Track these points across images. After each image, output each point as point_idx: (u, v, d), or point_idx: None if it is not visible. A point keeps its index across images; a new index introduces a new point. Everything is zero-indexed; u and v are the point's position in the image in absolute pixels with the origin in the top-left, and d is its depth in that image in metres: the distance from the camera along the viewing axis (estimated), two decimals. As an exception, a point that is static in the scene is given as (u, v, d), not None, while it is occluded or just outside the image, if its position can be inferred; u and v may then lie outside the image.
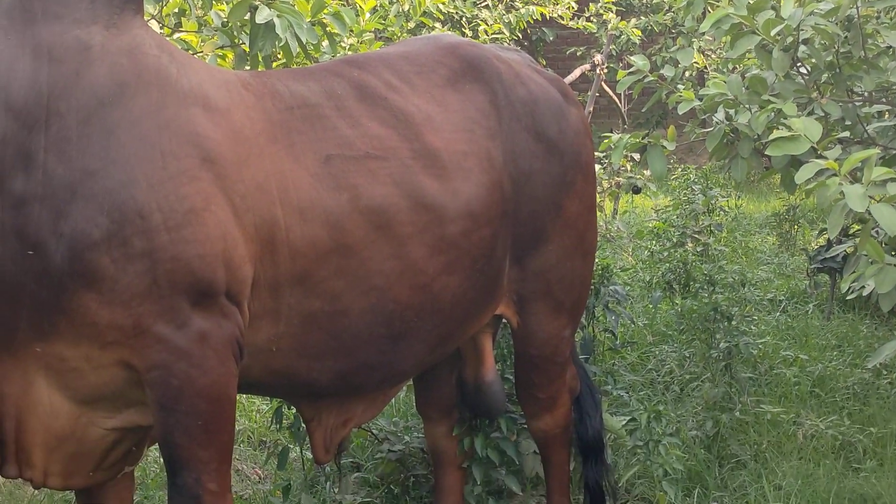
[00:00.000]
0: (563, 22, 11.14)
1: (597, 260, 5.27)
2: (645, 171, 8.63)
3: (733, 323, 6.24)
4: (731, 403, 6.00)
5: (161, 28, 5.43)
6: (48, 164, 3.35)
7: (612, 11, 12.00)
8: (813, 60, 4.98)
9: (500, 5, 10.29)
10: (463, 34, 9.51)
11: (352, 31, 6.35)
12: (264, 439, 6.51)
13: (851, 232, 6.89)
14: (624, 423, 5.29)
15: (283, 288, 3.68)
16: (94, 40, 3.47)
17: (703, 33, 9.23)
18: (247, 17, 4.81)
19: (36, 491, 5.47)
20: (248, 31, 4.88)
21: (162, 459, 5.76)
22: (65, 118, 3.38)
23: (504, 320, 4.53)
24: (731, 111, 4.85)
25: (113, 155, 3.38)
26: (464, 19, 9.91)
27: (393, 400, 5.51)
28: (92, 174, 3.36)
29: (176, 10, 5.65)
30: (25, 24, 3.44)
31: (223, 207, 3.51)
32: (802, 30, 4.71)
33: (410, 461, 5.49)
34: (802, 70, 5.10)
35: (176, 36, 5.43)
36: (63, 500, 5.51)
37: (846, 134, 4.77)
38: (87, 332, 3.41)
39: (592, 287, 5.68)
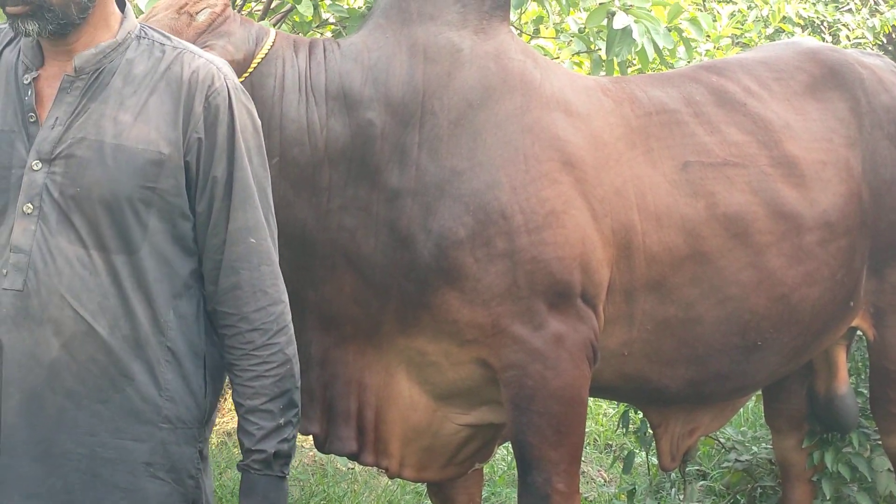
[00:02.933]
0: (930, 26, 10.68)
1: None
2: None
3: None
4: None
5: (520, 35, 5.53)
6: (421, 161, 3.48)
7: None
8: None
9: (863, 9, 9.97)
10: (823, 39, 9.26)
11: (708, 36, 6.29)
12: (610, 443, 6.55)
13: None
14: None
15: (638, 293, 3.69)
16: (464, 43, 3.58)
17: None
18: (604, 22, 4.84)
19: (390, 481, 5.66)
20: (605, 37, 4.91)
21: (511, 457, 5.91)
22: (437, 117, 3.51)
23: (859, 332, 4.40)
24: None
25: (479, 156, 3.48)
26: (824, 24, 9.65)
27: (741, 409, 5.44)
28: (459, 174, 3.47)
29: (534, 18, 5.75)
30: (402, 23, 3.58)
31: (582, 211, 3.56)
32: None
33: (758, 472, 5.41)
34: None
35: (534, 42, 5.52)
36: (414, 491, 5.69)
37: None
38: (447, 328, 3.52)
39: (955, 303, 5.44)
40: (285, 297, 2.75)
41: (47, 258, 2.55)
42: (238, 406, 2.72)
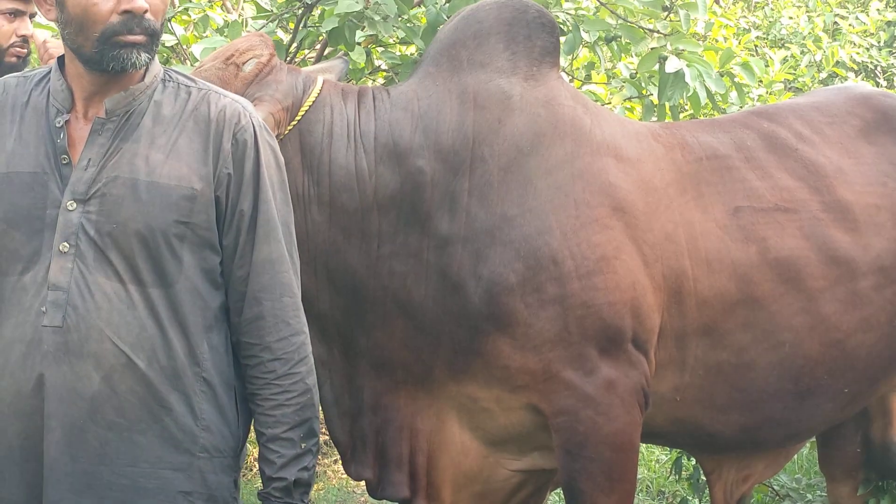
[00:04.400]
0: None
1: None
2: None
3: None
4: None
5: (571, 80, 5.54)
6: (471, 208, 3.50)
7: None
8: None
9: (918, 53, 9.95)
10: (877, 84, 9.23)
11: (760, 81, 6.29)
12: (663, 490, 6.49)
13: None
14: None
15: (689, 338, 3.67)
16: (514, 90, 3.60)
17: None
18: (655, 67, 4.85)
19: (440, 527, 5.64)
20: (657, 82, 4.92)
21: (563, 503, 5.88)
22: (487, 164, 3.52)
23: (916, 380, 4.35)
24: None
25: (530, 202, 3.49)
26: (878, 69, 9.62)
27: (795, 456, 5.38)
28: (510, 220, 3.47)
29: (586, 64, 5.77)
30: (452, 71, 3.61)
31: (633, 256, 3.55)
32: None
33: (812, 520, 5.36)
34: None
35: (585, 88, 5.53)
36: (465, 537, 5.66)
37: None
38: (498, 374, 3.51)
39: None
40: (306, 329, 2.80)
41: (85, 294, 2.61)
42: (259, 435, 2.77)
